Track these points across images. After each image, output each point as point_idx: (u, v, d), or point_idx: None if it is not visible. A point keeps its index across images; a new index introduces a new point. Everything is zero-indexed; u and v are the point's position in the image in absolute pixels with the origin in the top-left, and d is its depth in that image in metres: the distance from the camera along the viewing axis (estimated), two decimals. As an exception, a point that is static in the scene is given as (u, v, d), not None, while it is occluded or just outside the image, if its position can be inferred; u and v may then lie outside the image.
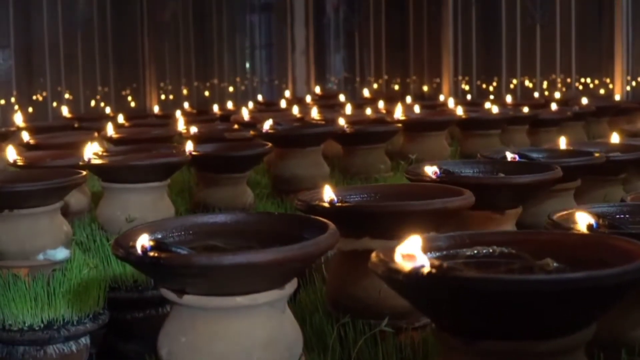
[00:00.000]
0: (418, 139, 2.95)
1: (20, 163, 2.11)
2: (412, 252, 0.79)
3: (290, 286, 1.05)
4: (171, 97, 5.35)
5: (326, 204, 1.24)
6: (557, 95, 5.01)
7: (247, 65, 5.94)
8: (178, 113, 3.86)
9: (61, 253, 1.73)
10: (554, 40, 5.41)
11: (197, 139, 2.43)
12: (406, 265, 0.79)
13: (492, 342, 0.80)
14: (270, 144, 2.24)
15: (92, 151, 1.95)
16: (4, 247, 1.69)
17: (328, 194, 1.26)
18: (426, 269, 0.77)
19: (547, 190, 1.79)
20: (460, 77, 5.62)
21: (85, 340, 1.78)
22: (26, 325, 1.68)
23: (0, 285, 1.68)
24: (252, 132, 2.50)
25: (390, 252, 0.85)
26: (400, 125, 2.82)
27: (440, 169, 1.53)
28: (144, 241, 0.96)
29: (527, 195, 1.58)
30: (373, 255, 0.86)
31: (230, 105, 4.69)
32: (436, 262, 0.80)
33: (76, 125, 3.46)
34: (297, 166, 2.45)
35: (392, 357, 1.24)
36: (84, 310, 1.74)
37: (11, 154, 2.15)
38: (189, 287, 0.99)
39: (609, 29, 5.24)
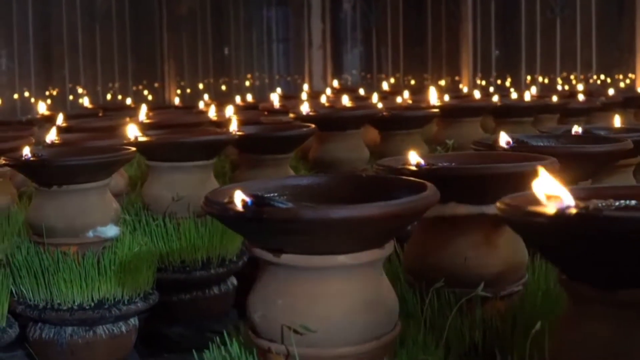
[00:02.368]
0: (453, 125, 2.89)
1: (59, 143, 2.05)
2: (558, 193, 0.73)
3: (389, 247, 0.99)
4: (188, 90, 5.29)
5: (413, 167, 1.18)
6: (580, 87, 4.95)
7: (264, 60, 5.89)
8: (201, 104, 3.81)
9: (111, 230, 1.66)
10: (574, 36, 5.35)
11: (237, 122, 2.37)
12: (548, 208, 0.73)
13: (635, 291, 0.74)
14: (313, 125, 2.17)
15: (136, 131, 1.89)
16: (52, 224, 1.63)
17: (414, 157, 1.20)
18: (574, 209, 0.71)
19: (609, 166, 1.74)
20: (479, 74, 5.56)
21: (134, 321, 1.72)
22: (76, 304, 1.62)
23: (49, 263, 1.62)
24: (291, 115, 2.44)
25: (519, 199, 0.79)
26: (437, 110, 2.76)
27: (513, 139, 1.47)
28: (243, 196, 0.90)
29: (600, 166, 1.52)
30: (499, 203, 0.80)
31: (249, 98, 4.63)
32: (581, 204, 0.74)
33: (100, 114, 3.40)
34: (338, 149, 2.40)
35: (479, 327, 1.18)
36: (135, 290, 1.68)
37: (51, 135, 2.08)
38: (288, 246, 0.93)
39: (629, 24, 5.19)
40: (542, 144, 1.55)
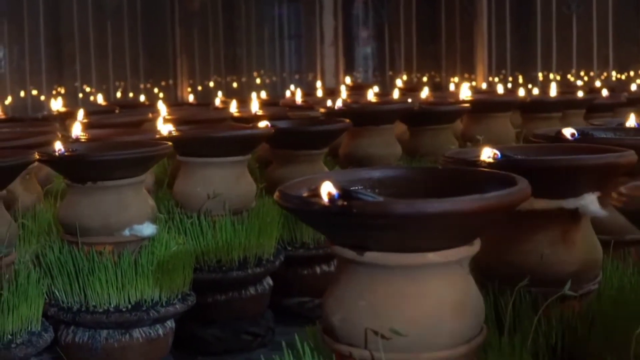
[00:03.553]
0: (482, 120, 2.81)
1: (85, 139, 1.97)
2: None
3: (477, 243, 0.91)
4: (199, 88, 5.21)
5: (489, 159, 1.10)
6: (598, 84, 4.88)
7: (276, 57, 5.81)
8: (217, 101, 3.73)
9: (148, 229, 1.58)
10: (590, 33, 5.28)
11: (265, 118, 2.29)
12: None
13: None
14: (348, 120, 2.10)
15: (168, 126, 1.81)
16: (87, 222, 1.55)
17: (488, 149, 1.12)
18: None
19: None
20: (494, 71, 5.48)
21: (171, 324, 1.64)
22: (112, 306, 1.54)
23: (83, 263, 1.54)
24: (322, 110, 2.36)
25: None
26: (468, 105, 2.68)
27: (577, 131, 1.39)
28: (331, 189, 0.82)
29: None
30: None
31: (263, 95, 4.55)
32: None
33: (117, 111, 3.32)
34: (371, 145, 2.32)
35: (557, 328, 1.10)
36: (172, 291, 1.60)
37: (76, 130, 2.00)
38: (374, 243, 0.85)
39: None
40: (606, 137, 1.47)
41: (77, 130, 2.00)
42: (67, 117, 2.81)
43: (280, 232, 1.90)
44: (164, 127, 1.79)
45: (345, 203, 0.80)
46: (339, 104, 2.28)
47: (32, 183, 1.94)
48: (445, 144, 2.63)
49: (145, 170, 1.60)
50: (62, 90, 4.78)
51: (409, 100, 2.60)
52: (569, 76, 5.38)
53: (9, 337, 1.35)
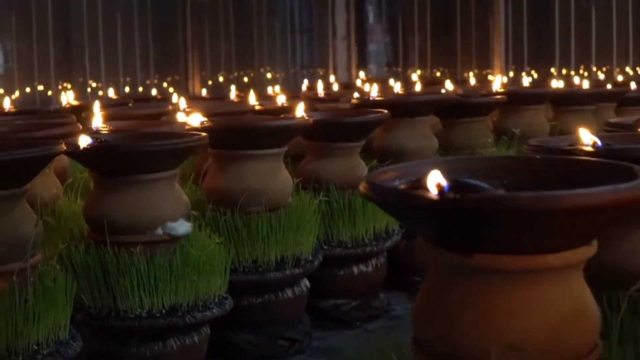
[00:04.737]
0: (517, 113, 2.69)
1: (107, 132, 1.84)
2: None
3: (595, 245, 0.78)
4: (210, 82, 5.08)
5: (589, 147, 0.97)
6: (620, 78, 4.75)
7: (287, 51, 5.68)
8: (232, 94, 3.60)
9: (182, 227, 1.45)
10: (610, 26, 5.15)
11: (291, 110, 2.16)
12: None
13: None
14: (386, 111, 1.97)
15: (199, 117, 1.68)
16: (116, 219, 1.42)
17: (586, 136, 0.99)
18: None
19: None
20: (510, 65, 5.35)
21: (206, 330, 1.52)
22: (144, 311, 1.41)
23: (113, 264, 1.41)
24: (354, 100, 2.23)
25: None
26: (504, 97, 2.55)
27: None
28: (440, 180, 0.69)
29: None
30: None
31: (277, 89, 4.42)
32: None
33: (130, 104, 3.19)
34: (406, 137, 2.19)
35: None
36: (209, 294, 1.47)
37: (96, 121, 1.87)
38: (484, 243, 0.72)
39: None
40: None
41: (97, 121, 1.87)
42: (81, 110, 2.68)
43: (318, 230, 1.78)
44: (195, 118, 1.65)
45: (460, 196, 0.67)
46: (373, 94, 2.15)
47: (51, 178, 1.81)
48: (480, 137, 2.50)
49: (179, 163, 1.47)
50: (69, 85, 4.65)
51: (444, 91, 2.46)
52: (574, 72, 5.25)
53: (35, 347, 1.23)
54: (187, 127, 1.71)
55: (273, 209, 1.69)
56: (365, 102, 2.19)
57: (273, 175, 1.69)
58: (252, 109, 2.59)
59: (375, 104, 2.15)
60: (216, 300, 1.48)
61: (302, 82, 5.55)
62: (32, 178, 1.26)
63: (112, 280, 1.41)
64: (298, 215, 1.71)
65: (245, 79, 5.43)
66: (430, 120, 2.28)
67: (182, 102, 2.58)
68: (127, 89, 4.91)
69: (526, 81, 3.72)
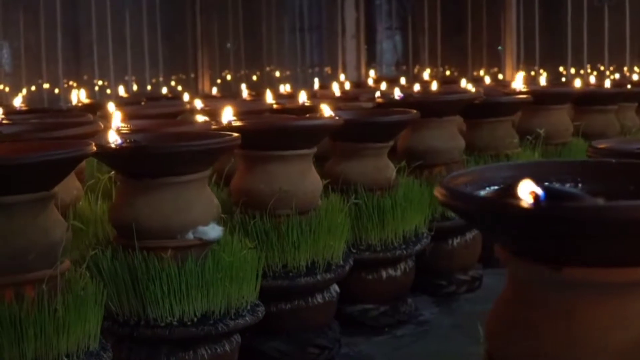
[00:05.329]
0: (541, 113, 2.63)
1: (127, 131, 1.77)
2: None
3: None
4: (218, 81, 5.01)
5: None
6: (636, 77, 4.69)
7: (297, 49, 5.62)
8: (245, 93, 3.54)
9: (214, 231, 1.39)
10: (623, 25, 5.09)
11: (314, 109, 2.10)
12: None
13: None
14: (415, 110, 1.91)
15: (229, 115, 1.62)
16: (145, 223, 1.36)
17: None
18: None
19: None
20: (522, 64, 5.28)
21: (237, 338, 1.46)
22: (175, 319, 1.35)
23: (142, 269, 1.35)
24: (379, 100, 2.17)
25: None
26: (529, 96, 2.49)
27: None
28: (533, 187, 0.63)
29: None
30: None
31: (288, 88, 4.35)
32: None
33: (142, 102, 3.13)
34: (434, 138, 2.13)
35: None
36: (241, 301, 1.41)
37: (116, 120, 1.81)
38: (576, 256, 0.66)
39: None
40: None
41: (117, 121, 1.81)
42: (95, 109, 2.61)
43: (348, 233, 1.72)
44: (227, 116, 1.59)
45: (561, 206, 0.61)
46: (398, 93, 2.09)
47: (71, 179, 1.74)
48: (506, 137, 2.45)
49: (211, 164, 1.41)
50: (75, 83, 4.58)
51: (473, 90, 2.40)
52: (585, 71, 5.18)
53: (65, 358, 1.16)
54: (213, 126, 1.65)
55: (303, 211, 1.63)
56: (392, 102, 2.13)
57: (303, 176, 1.63)
58: (269, 108, 2.53)
59: (403, 103, 2.09)
60: (248, 307, 1.42)
61: (310, 81, 5.49)
62: (61, 180, 1.20)
63: (141, 287, 1.35)
64: (329, 218, 1.65)
65: (254, 78, 5.37)
66: (456, 120, 2.22)
67: (198, 102, 2.52)
68: (134, 87, 4.85)
69: (542, 80, 3.65)
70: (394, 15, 5.85)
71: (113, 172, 1.72)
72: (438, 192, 0.72)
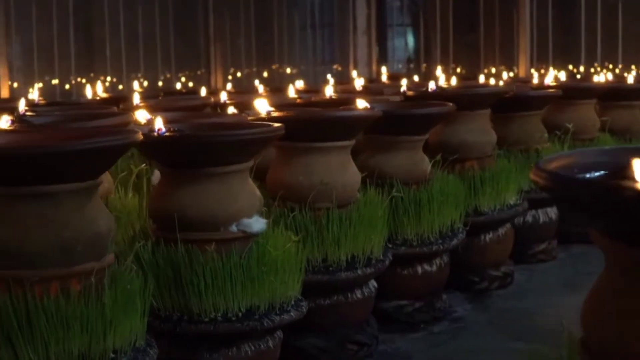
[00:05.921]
0: (568, 107, 2.60)
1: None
2: None
3: None
4: (230, 77, 4.97)
5: None
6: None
7: (308, 46, 5.58)
8: (261, 89, 3.50)
9: (258, 223, 1.35)
10: (637, 22, 5.05)
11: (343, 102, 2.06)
12: None
13: None
14: (451, 103, 1.87)
15: (266, 105, 1.58)
16: (188, 215, 1.32)
17: None
18: None
19: None
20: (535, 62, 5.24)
21: (280, 335, 1.42)
22: (219, 315, 1.31)
23: (185, 263, 1.31)
24: (409, 93, 2.13)
25: None
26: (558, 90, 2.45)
27: None
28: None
29: None
30: None
31: (301, 84, 4.31)
32: None
33: (160, 97, 3.09)
34: (466, 131, 2.09)
35: None
36: (286, 296, 1.37)
37: (142, 113, 1.76)
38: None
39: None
40: None
41: (143, 113, 1.77)
42: (114, 102, 2.57)
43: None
44: (264, 106, 1.55)
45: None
46: (432, 86, 2.05)
47: (102, 171, 1.70)
48: (535, 131, 2.41)
49: (255, 154, 1.37)
50: (83, 79, 4.54)
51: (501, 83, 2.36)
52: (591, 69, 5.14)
53: (112, 355, 1.12)
54: (249, 118, 1.61)
55: (342, 205, 1.59)
56: (424, 94, 2.09)
57: (343, 169, 1.59)
58: (293, 102, 2.49)
59: (434, 96, 2.05)
60: (292, 302, 1.38)
61: (321, 78, 5.45)
62: (107, 169, 1.16)
63: (184, 281, 1.31)
64: (369, 211, 1.61)
65: (265, 74, 5.33)
66: (488, 114, 2.18)
67: (223, 95, 2.49)
68: (145, 83, 4.80)
69: (562, 77, 3.61)
70: (405, 12, 5.80)
71: (144, 165, 1.70)
72: (537, 176, 0.68)
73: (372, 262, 1.60)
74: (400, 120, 1.78)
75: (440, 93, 2.06)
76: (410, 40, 5.81)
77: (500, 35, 5.35)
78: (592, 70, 5.19)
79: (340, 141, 1.58)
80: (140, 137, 1.15)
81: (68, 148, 1.06)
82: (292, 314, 1.36)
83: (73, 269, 1.10)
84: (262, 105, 1.57)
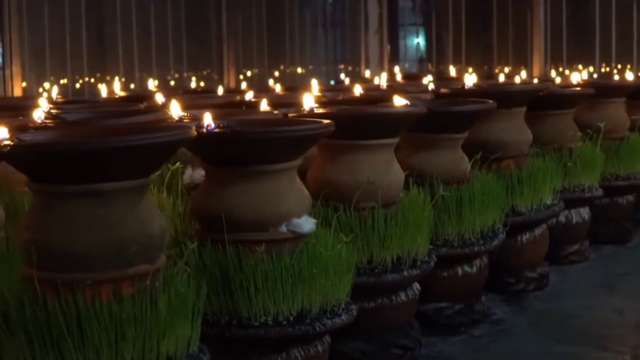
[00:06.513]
0: (598, 106, 2.55)
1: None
2: None
3: None
4: (241, 77, 4.91)
5: None
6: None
7: (319, 45, 5.53)
8: (278, 87, 3.45)
9: (308, 223, 1.30)
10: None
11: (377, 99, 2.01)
12: None
13: None
14: (492, 101, 1.82)
15: (311, 101, 1.53)
16: (236, 215, 1.27)
17: None
18: None
19: None
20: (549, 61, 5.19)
21: (328, 339, 1.37)
22: (270, 319, 1.26)
23: (234, 265, 1.26)
24: (443, 90, 2.08)
25: None
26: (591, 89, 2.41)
27: None
28: None
29: None
30: None
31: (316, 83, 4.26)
32: None
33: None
34: (503, 130, 2.05)
35: None
36: (337, 300, 1.32)
37: (175, 109, 1.70)
38: None
39: None
40: None
41: (175, 109, 1.71)
42: (135, 100, 2.52)
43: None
44: (309, 102, 1.50)
45: None
46: (468, 83, 2.00)
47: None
48: (568, 130, 2.37)
49: (303, 151, 1.32)
50: (91, 79, 4.48)
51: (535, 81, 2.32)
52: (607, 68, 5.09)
53: (166, 361, 1.07)
54: (290, 115, 1.55)
55: (387, 204, 1.54)
56: (459, 92, 2.04)
57: (388, 167, 1.54)
58: (320, 100, 2.44)
59: (470, 93, 2.00)
60: (343, 305, 1.33)
61: (333, 77, 5.41)
62: (160, 166, 1.11)
63: (234, 284, 1.25)
64: (413, 211, 1.56)
65: (276, 73, 5.27)
66: (524, 112, 2.13)
67: (249, 94, 2.44)
68: (155, 82, 4.75)
69: (576, 77, 3.56)
70: (417, 11, 5.75)
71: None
72: None
73: (418, 264, 1.56)
74: (443, 117, 1.73)
75: (477, 90, 2.01)
76: (422, 39, 5.76)
77: (514, 34, 5.30)
78: (603, 70, 5.14)
79: (386, 139, 1.53)
80: (195, 132, 1.10)
81: (123, 143, 1.01)
82: (343, 317, 1.31)
83: (126, 271, 1.05)
84: (308, 102, 1.52)
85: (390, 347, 1.57)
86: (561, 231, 2.33)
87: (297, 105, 2.15)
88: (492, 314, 1.93)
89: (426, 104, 1.74)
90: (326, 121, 1.31)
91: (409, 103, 1.67)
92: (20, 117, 1.69)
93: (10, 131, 1.09)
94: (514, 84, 2.35)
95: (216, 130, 1.23)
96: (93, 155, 1.01)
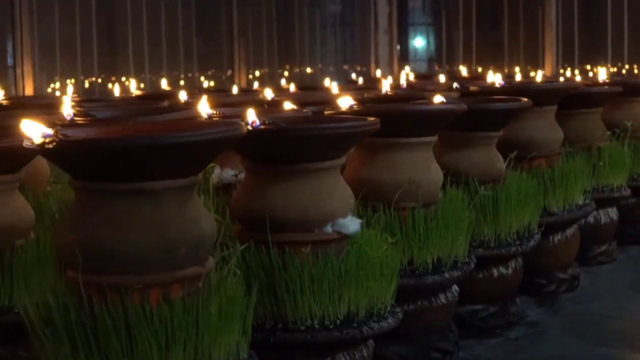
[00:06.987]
0: (624, 105, 2.51)
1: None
2: None
3: None
4: (250, 76, 4.87)
5: None
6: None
7: (329, 44, 5.49)
8: (292, 87, 3.41)
9: (353, 224, 1.26)
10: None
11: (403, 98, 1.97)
12: None
13: None
14: (526, 99, 1.78)
15: (349, 100, 1.49)
16: (279, 215, 1.23)
17: None
18: None
19: None
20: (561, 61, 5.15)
21: (372, 343, 1.33)
22: (316, 322, 1.22)
23: (278, 266, 1.22)
24: (473, 88, 2.04)
25: None
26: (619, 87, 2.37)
27: None
28: None
29: None
30: None
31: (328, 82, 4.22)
32: None
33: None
34: (535, 128, 2.01)
35: None
36: (383, 302, 1.28)
37: (203, 106, 1.66)
38: None
39: None
40: None
41: (204, 107, 1.67)
42: (156, 99, 2.48)
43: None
44: (346, 101, 1.46)
45: None
46: (499, 81, 1.96)
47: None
48: (596, 129, 2.34)
49: (347, 149, 1.29)
50: (96, 79, 4.44)
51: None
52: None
53: (216, 366, 1.03)
54: (326, 112, 1.52)
55: (427, 204, 1.50)
56: (489, 90, 2.00)
57: (428, 166, 1.51)
58: (371, 98, 2.39)
59: (501, 91, 1.96)
60: (388, 308, 1.29)
61: (341, 77, 5.36)
62: (208, 164, 1.07)
63: (279, 286, 1.21)
64: (454, 211, 1.52)
65: (286, 73, 5.23)
66: (555, 111, 2.09)
67: (268, 92, 2.40)
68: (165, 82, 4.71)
69: (603, 74, 3.52)
70: (427, 11, 5.72)
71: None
72: None
73: (458, 265, 1.52)
74: (479, 115, 1.69)
75: (509, 88, 1.97)
76: (432, 39, 5.72)
77: (524, 33, 5.26)
78: (615, 69, 5.10)
79: (425, 137, 1.49)
80: (245, 129, 1.07)
81: (177, 140, 0.97)
82: (389, 321, 1.28)
83: (175, 274, 1.01)
84: (345, 101, 1.48)
85: (430, 350, 1.53)
86: (590, 232, 2.29)
87: (322, 103, 2.12)
88: (525, 316, 1.89)
89: (464, 102, 1.70)
90: (371, 118, 1.27)
91: (444, 101, 1.63)
92: (46, 116, 1.66)
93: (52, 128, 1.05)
94: (547, 82, 2.31)
95: (262, 127, 1.18)
96: (144, 152, 0.96)
